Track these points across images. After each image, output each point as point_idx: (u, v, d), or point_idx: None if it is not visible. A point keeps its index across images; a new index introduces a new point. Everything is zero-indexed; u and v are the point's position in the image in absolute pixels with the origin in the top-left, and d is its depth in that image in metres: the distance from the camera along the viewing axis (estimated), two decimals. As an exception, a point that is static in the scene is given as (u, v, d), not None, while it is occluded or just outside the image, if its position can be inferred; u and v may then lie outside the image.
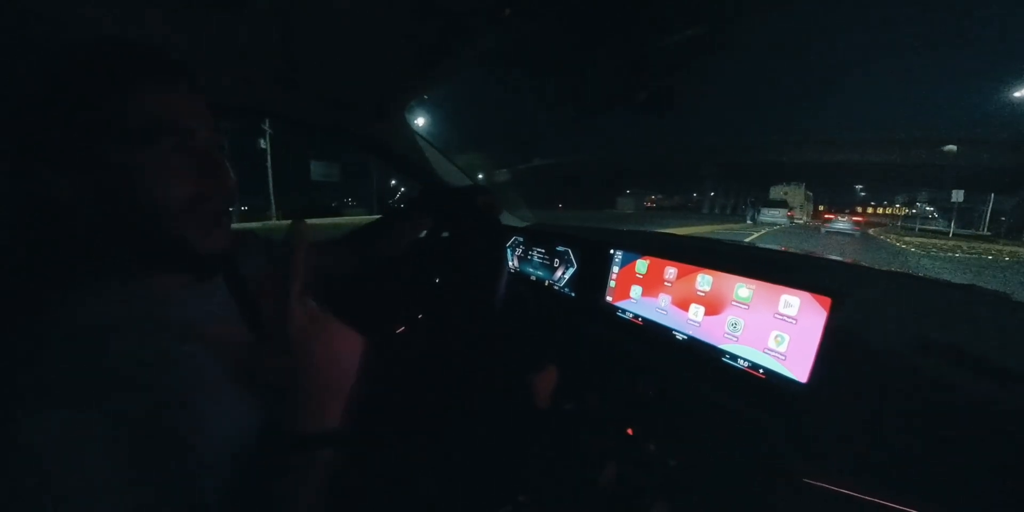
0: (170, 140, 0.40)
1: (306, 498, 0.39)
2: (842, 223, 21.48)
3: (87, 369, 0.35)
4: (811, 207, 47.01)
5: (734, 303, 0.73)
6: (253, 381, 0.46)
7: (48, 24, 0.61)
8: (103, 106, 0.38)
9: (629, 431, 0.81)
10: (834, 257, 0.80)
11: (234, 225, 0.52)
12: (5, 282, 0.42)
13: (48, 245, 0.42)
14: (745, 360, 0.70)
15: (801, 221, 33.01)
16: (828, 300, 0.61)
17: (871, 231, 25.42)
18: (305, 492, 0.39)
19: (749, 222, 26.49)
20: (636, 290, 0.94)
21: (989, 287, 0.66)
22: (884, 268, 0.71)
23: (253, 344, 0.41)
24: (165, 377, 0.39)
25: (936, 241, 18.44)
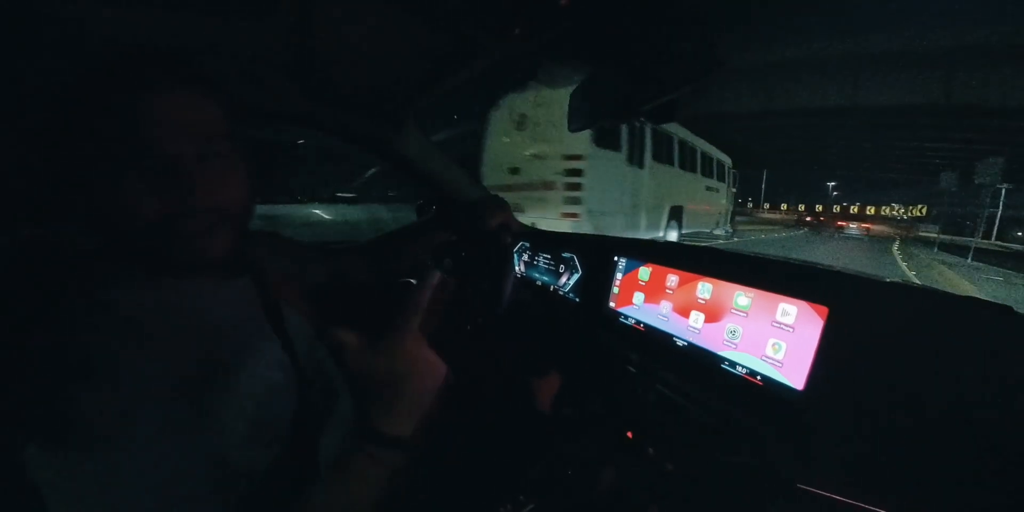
0: (140, 160, 0.40)
1: (370, 496, 0.42)
2: (853, 229, 21.86)
3: (134, 350, 0.38)
4: (729, 197, 10.96)
5: (733, 311, 0.75)
6: (281, 373, 0.50)
7: (67, 28, 0.65)
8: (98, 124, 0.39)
9: (628, 435, 0.83)
10: (833, 266, 0.81)
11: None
12: (46, 273, 0.45)
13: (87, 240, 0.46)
14: (743, 367, 0.72)
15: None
16: (825, 309, 0.62)
17: (908, 268, 11.66)
18: (370, 490, 0.42)
19: None
20: (639, 296, 0.96)
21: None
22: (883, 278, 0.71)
23: (370, 346, 0.45)
24: (203, 360, 0.42)
25: None
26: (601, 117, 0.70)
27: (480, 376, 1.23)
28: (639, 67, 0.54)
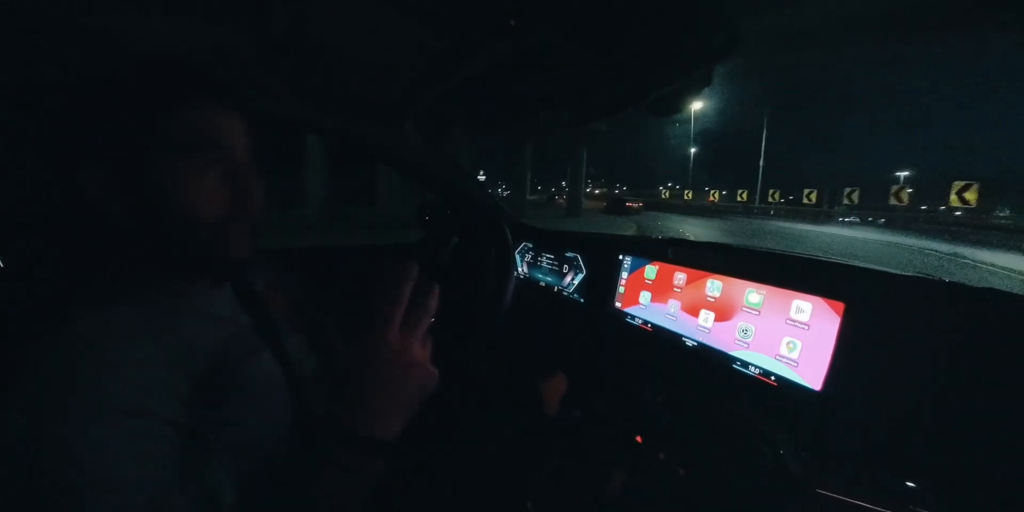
0: (208, 153, 0.43)
1: (352, 499, 0.41)
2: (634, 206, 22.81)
3: (118, 369, 0.37)
4: None
5: (744, 309, 0.72)
6: (276, 382, 0.49)
7: (75, 33, 0.64)
8: (150, 116, 0.40)
9: (638, 439, 0.80)
10: (848, 261, 0.78)
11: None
12: (30, 289, 0.44)
13: (69, 251, 0.44)
14: (756, 367, 0.69)
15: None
16: (841, 305, 0.60)
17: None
18: (352, 493, 0.41)
19: None
20: (645, 296, 0.93)
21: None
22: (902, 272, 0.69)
23: (348, 351, 0.44)
24: (191, 377, 0.41)
25: None
26: (606, 106, 0.68)
27: (484, 379, 1.20)
28: (647, 49, 0.51)
